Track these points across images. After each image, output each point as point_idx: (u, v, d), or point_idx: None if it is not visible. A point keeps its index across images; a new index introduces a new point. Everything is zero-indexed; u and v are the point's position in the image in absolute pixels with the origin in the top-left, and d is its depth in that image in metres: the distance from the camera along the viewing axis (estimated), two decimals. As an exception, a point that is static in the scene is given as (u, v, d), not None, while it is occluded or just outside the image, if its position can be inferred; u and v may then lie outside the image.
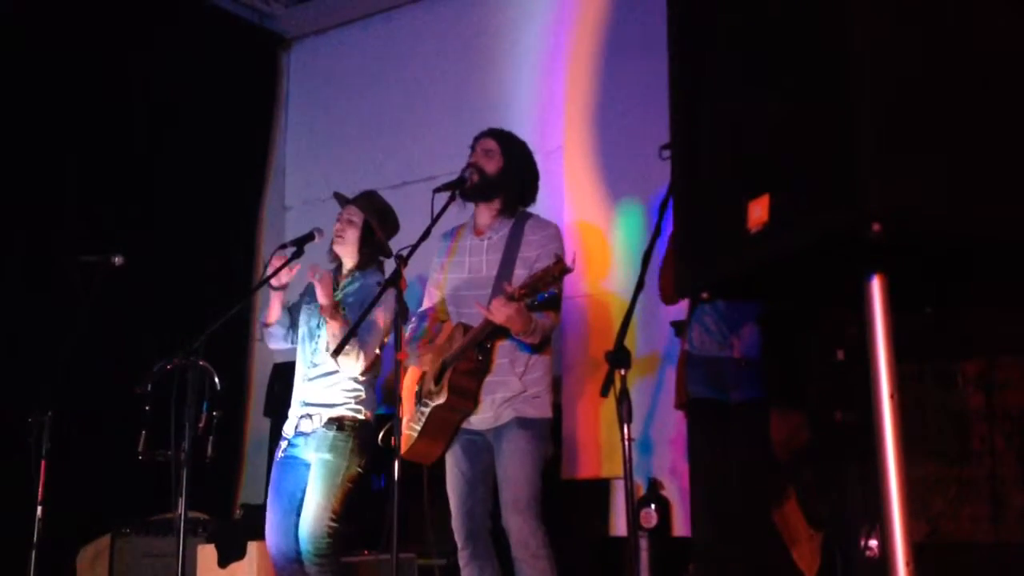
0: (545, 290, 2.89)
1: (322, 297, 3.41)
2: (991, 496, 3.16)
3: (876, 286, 1.27)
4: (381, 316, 3.46)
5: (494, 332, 3.07)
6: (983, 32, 1.20)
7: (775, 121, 1.30)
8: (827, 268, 1.32)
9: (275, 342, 3.77)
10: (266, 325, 3.70)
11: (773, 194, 1.27)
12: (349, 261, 3.67)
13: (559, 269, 2.86)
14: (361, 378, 3.53)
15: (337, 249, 3.66)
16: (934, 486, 3.22)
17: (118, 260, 3.77)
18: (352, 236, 3.62)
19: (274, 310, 3.66)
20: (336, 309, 3.43)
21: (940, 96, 1.17)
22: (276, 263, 3.48)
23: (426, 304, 3.40)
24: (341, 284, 3.64)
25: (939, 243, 1.21)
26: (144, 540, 4.35)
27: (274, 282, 3.53)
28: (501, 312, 2.94)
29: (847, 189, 1.14)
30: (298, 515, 3.44)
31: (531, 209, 3.35)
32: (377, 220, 3.65)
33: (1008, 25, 1.20)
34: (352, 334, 3.04)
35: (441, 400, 3.08)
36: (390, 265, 3.56)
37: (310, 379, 3.57)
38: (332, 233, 3.65)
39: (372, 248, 3.65)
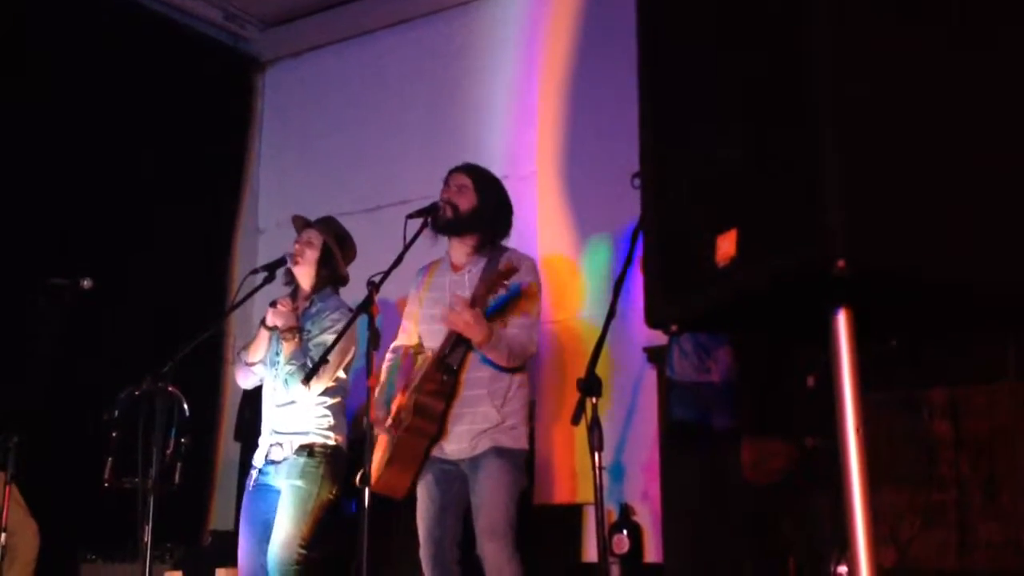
0: (494, 292, 2.92)
1: (278, 320, 3.49)
2: (958, 523, 3.19)
3: (842, 320, 1.28)
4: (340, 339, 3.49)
5: (457, 347, 3.06)
6: (952, 76, 1.22)
7: (744, 155, 1.31)
8: (794, 301, 1.33)
9: (249, 381, 3.71)
10: (249, 364, 3.65)
11: (741, 229, 1.28)
12: (306, 282, 3.66)
13: (508, 269, 2.92)
14: (329, 401, 3.51)
15: (295, 270, 3.65)
16: (903, 512, 3.24)
17: (87, 283, 3.71)
18: (311, 257, 3.62)
19: (260, 349, 3.63)
20: (293, 332, 3.48)
21: (906, 134, 1.19)
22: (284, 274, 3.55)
23: (401, 339, 3.39)
24: (301, 309, 3.63)
25: (904, 279, 1.22)
26: (110, 567, 4.29)
27: (269, 322, 3.56)
28: (459, 317, 2.95)
29: (813, 225, 1.16)
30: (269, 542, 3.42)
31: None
32: (336, 243, 3.66)
33: (976, 72, 1.23)
34: (323, 362, 3.03)
35: (407, 422, 3.06)
36: (350, 293, 3.59)
37: (278, 405, 3.55)
38: (289, 255, 3.64)
39: (330, 270, 3.65)
